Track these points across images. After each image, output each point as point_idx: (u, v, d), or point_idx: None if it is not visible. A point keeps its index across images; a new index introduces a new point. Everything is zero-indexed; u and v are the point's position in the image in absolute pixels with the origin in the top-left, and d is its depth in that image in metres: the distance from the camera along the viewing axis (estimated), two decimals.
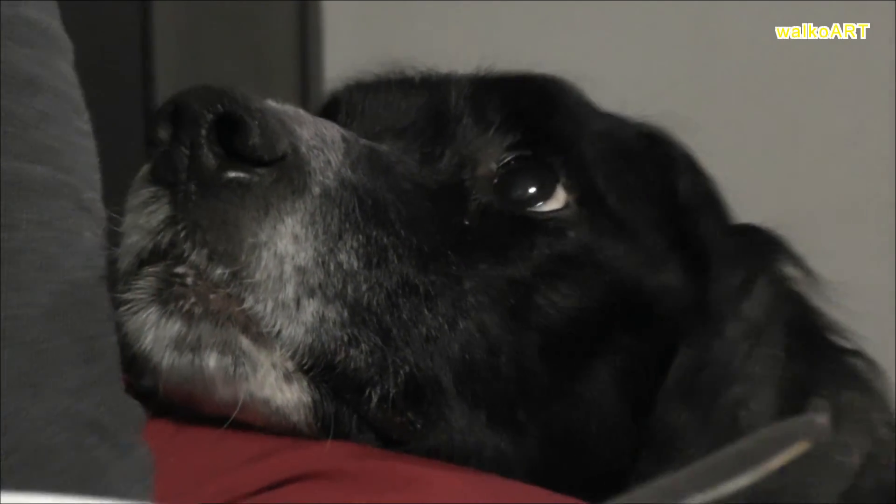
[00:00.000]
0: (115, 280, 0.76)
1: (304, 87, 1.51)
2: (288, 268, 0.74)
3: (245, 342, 0.74)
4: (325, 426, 0.76)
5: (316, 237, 0.76)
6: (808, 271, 0.91)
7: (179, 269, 0.74)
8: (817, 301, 0.91)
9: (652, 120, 0.94)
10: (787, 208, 1.55)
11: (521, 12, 1.64)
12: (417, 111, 0.89)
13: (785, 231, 1.42)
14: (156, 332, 0.75)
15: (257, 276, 0.74)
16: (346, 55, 1.60)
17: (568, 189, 0.86)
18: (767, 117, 1.61)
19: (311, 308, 0.75)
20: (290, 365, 0.75)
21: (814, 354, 0.87)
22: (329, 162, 0.77)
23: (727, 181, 1.56)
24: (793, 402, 0.83)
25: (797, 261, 0.91)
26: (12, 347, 0.65)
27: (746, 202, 1.53)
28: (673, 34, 1.62)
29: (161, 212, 0.75)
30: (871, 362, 0.89)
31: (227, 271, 0.74)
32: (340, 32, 1.64)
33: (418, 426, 0.78)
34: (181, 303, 0.74)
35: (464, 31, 1.62)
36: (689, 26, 1.63)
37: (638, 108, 1.56)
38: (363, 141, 0.82)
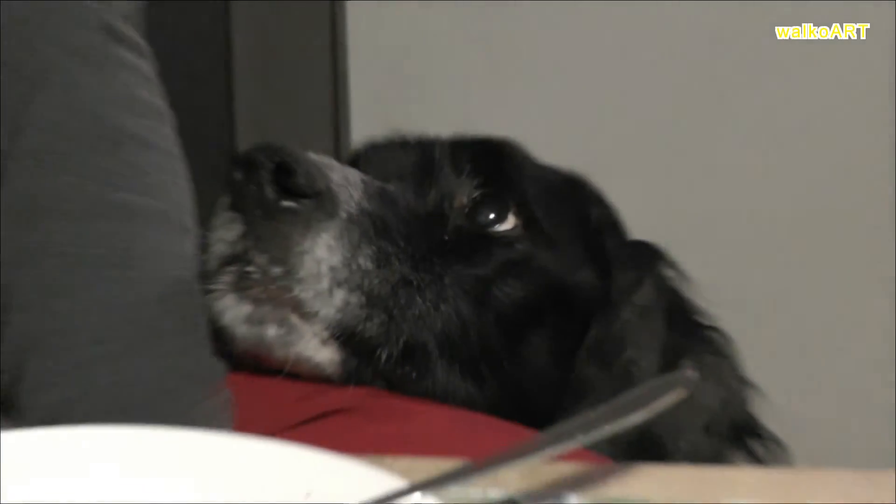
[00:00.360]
0: (205, 277, 0.79)
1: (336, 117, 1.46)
2: (324, 267, 0.79)
3: (294, 318, 0.80)
4: (348, 376, 0.81)
5: (343, 247, 0.80)
6: (681, 272, 0.93)
7: (249, 269, 0.79)
8: (688, 292, 0.93)
9: (577, 168, 0.95)
10: (787, 207, 1.43)
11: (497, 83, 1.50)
12: (413, 162, 0.91)
13: (784, 229, 1.42)
14: (233, 312, 0.80)
15: (302, 273, 0.79)
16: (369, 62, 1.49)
17: (516, 216, 0.89)
18: (767, 117, 1.44)
19: (339, 295, 0.79)
20: (325, 334, 0.80)
21: (684, 329, 0.92)
22: (352, 196, 0.82)
23: (727, 179, 1.43)
24: (670, 362, 0.88)
25: (674, 265, 0.93)
26: (131, 325, 0.68)
27: (747, 200, 1.43)
28: (672, 34, 1.45)
29: (236, 229, 0.80)
30: (724, 334, 0.92)
31: (282, 270, 0.79)
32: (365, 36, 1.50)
33: (413, 376, 0.82)
34: (250, 292, 0.80)
35: (458, 84, 1.49)
36: (689, 27, 1.44)
37: (640, 109, 1.44)
38: (376, 182, 0.86)
